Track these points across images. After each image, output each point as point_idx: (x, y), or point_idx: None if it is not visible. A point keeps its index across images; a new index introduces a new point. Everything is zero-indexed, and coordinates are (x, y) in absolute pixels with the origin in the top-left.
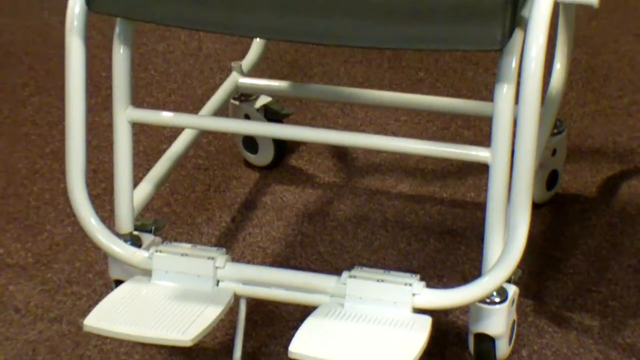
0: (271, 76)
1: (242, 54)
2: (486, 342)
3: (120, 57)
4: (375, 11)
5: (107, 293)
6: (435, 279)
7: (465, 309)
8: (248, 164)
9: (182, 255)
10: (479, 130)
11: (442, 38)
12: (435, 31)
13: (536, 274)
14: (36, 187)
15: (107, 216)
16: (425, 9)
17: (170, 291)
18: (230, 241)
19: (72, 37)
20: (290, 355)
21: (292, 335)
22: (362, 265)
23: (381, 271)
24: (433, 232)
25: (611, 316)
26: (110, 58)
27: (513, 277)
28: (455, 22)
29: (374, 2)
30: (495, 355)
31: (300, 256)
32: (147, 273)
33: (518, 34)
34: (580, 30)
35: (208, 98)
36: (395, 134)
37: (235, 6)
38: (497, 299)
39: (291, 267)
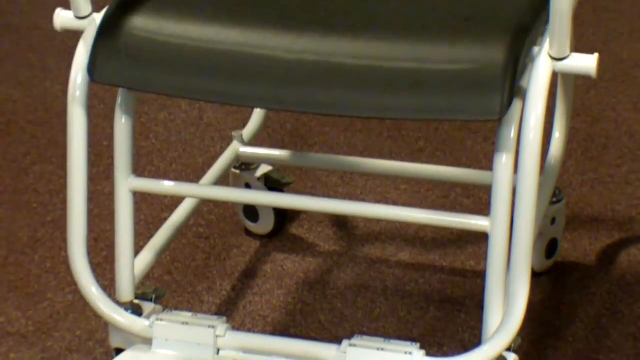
0: (272, 145)
1: (243, 123)
2: None
3: (122, 126)
4: (375, 82)
5: None
6: (435, 347)
7: None
8: (249, 233)
9: (182, 323)
10: (478, 199)
11: (442, 108)
12: (435, 102)
13: (536, 342)
14: (37, 256)
15: (108, 284)
16: (424, 80)
17: None
18: (230, 309)
19: (74, 107)
20: None
21: None
22: (363, 333)
23: (381, 340)
24: (433, 301)
25: None
26: (111, 127)
27: (513, 345)
28: (455, 93)
29: (374, 73)
30: None
31: (300, 325)
32: (147, 341)
33: (517, 104)
34: (578, 100)
35: (209, 167)
36: (395, 202)
37: (235, 77)
38: None
39: (291, 336)
